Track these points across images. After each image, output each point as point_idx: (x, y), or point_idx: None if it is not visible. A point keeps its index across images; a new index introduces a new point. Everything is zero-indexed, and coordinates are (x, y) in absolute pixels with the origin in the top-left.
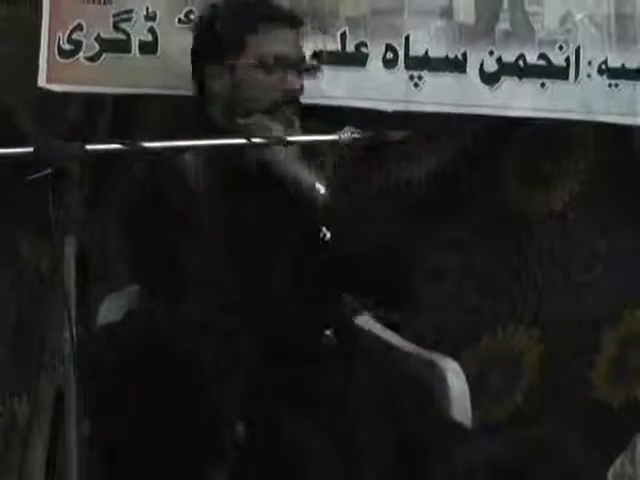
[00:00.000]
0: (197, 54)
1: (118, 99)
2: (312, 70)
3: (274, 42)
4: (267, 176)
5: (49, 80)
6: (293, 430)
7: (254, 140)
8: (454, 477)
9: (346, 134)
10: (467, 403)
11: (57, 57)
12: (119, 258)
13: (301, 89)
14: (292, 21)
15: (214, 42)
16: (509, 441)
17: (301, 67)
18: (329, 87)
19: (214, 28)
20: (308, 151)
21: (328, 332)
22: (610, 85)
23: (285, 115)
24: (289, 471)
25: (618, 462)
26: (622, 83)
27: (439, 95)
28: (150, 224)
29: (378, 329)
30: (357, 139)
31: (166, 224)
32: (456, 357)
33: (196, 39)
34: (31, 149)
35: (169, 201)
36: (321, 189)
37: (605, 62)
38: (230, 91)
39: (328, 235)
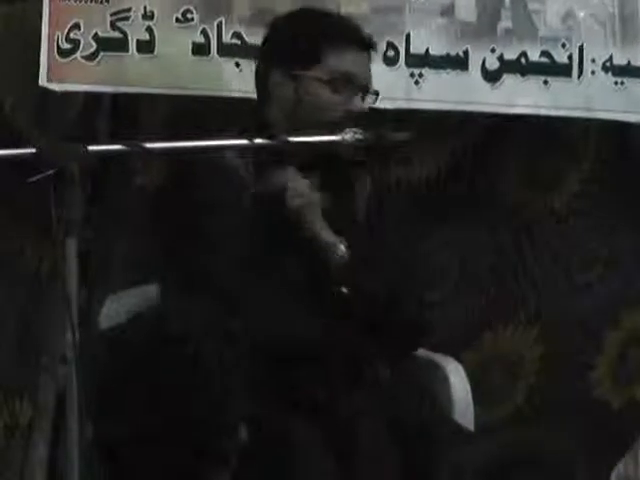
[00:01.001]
0: (265, 55)
1: (116, 98)
2: (375, 95)
3: (347, 62)
4: (290, 228)
5: (49, 79)
6: (297, 435)
7: (256, 141)
8: (453, 477)
9: (349, 134)
10: (469, 404)
11: (56, 56)
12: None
13: (362, 112)
14: (366, 43)
15: (287, 49)
16: (509, 441)
17: (367, 90)
18: None
19: (290, 35)
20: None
21: None
22: (616, 83)
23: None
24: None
25: (622, 463)
26: (628, 81)
27: (440, 93)
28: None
29: None
30: (360, 139)
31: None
32: (456, 357)
33: (268, 40)
34: (33, 150)
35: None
36: (342, 247)
37: (610, 59)
38: (292, 101)
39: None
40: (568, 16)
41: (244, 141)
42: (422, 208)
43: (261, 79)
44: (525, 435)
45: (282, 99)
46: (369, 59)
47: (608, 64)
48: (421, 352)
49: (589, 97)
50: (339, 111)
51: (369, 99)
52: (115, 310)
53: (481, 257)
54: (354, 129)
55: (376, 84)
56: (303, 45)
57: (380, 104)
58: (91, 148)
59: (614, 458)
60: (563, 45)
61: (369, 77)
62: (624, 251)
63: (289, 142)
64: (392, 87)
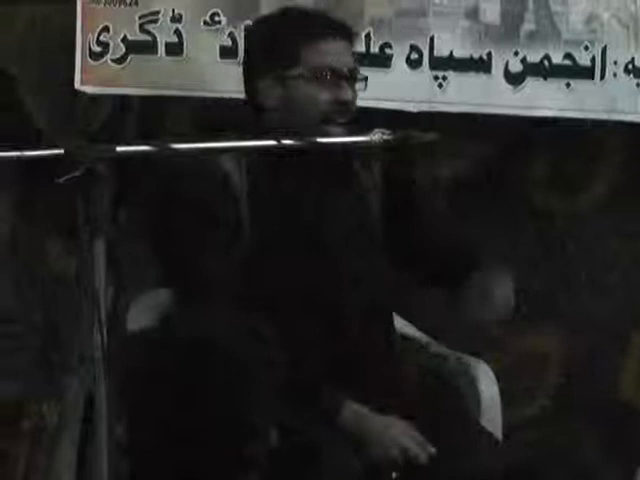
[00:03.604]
0: (249, 66)
1: (144, 100)
2: (362, 80)
3: (327, 54)
4: None
5: (83, 82)
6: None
7: (284, 142)
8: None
9: (376, 135)
10: (497, 407)
11: (88, 59)
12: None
13: (354, 100)
14: (344, 31)
15: (266, 54)
16: (534, 443)
17: (352, 78)
18: None
19: (265, 40)
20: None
21: None
22: (638, 84)
23: (339, 127)
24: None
25: None
26: None
27: (463, 95)
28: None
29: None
30: (387, 140)
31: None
32: (481, 357)
33: (248, 51)
34: (62, 150)
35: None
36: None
37: (632, 61)
38: (282, 103)
39: None
40: (591, 18)
41: (271, 142)
42: (446, 208)
43: (249, 84)
44: (550, 437)
45: (272, 102)
46: (349, 47)
47: (630, 66)
48: (449, 353)
49: (611, 99)
50: (329, 104)
51: (359, 85)
52: (145, 310)
53: (507, 258)
54: (382, 129)
55: (400, 87)
56: (281, 46)
57: (404, 107)
58: (120, 149)
59: (638, 460)
60: (586, 47)
61: (352, 65)
62: None
63: (317, 143)
64: (416, 90)
